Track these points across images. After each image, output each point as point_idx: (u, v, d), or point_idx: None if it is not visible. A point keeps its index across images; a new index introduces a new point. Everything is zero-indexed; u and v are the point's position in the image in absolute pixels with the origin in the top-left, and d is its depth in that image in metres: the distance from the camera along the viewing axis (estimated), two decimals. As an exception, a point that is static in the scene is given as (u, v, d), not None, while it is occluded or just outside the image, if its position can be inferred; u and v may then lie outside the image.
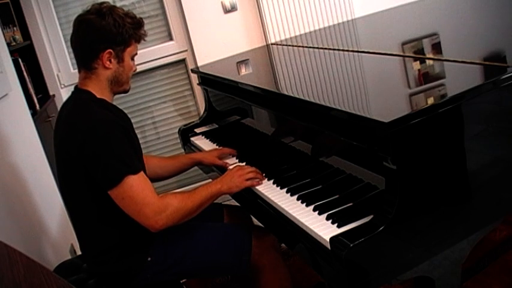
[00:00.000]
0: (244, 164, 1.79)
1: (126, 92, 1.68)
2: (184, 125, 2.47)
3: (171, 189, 3.35)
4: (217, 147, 2.11)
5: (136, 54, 1.64)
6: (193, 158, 2.01)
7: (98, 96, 1.57)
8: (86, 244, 1.63)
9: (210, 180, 1.75)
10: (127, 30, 1.55)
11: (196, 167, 2.09)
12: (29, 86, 2.68)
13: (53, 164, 2.47)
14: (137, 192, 1.44)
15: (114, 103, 1.66)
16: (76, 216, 1.61)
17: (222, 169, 1.90)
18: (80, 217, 1.59)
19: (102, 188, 1.45)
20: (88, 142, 1.44)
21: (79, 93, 1.58)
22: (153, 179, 1.74)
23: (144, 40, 1.65)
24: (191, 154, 2.10)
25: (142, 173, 1.48)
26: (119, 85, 1.62)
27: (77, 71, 1.63)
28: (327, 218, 1.27)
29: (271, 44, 3.05)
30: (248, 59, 2.63)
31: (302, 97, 1.57)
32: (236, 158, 1.92)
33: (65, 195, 1.60)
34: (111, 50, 1.54)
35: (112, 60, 1.56)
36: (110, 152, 1.44)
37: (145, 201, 1.44)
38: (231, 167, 1.77)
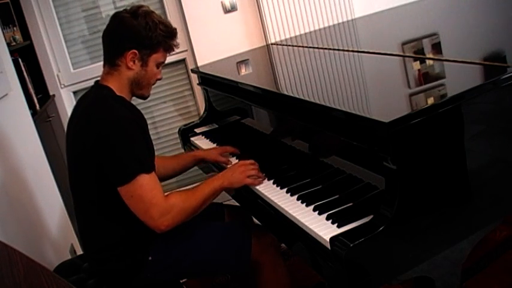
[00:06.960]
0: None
1: (144, 98, 1.68)
2: (184, 125, 2.47)
3: (171, 189, 3.35)
4: (217, 147, 2.10)
5: (163, 62, 1.64)
6: (196, 156, 2.00)
7: (118, 93, 1.58)
8: (88, 241, 1.63)
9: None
10: (157, 36, 1.56)
11: (196, 167, 2.09)
12: (29, 86, 2.68)
13: (54, 164, 2.48)
14: (147, 191, 1.44)
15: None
16: (81, 212, 1.61)
17: (222, 168, 1.90)
18: (85, 212, 1.59)
19: (113, 183, 1.46)
20: (106, 136, 1.45)
21: (99, 89, 1.59)
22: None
23: (174, 51, 1.66)
24: (193, 152, 2.10)
25: (154, 173, 1.49)
26: (138, 88, 1.62)
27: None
28: (327, 218, 1.28)
29: (271, 44, 3.05)
30: (248, 59, 2.63)
31: (302, 97, 1.56)
32: (236, 158, 1.92)
33: (74, 188, 1.60)
34: (136, 51, 1.55)
35: (136, 61, 1.57)
36: (126, 149, 1.45)
37: (153, 201, 1.44)
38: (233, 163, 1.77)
